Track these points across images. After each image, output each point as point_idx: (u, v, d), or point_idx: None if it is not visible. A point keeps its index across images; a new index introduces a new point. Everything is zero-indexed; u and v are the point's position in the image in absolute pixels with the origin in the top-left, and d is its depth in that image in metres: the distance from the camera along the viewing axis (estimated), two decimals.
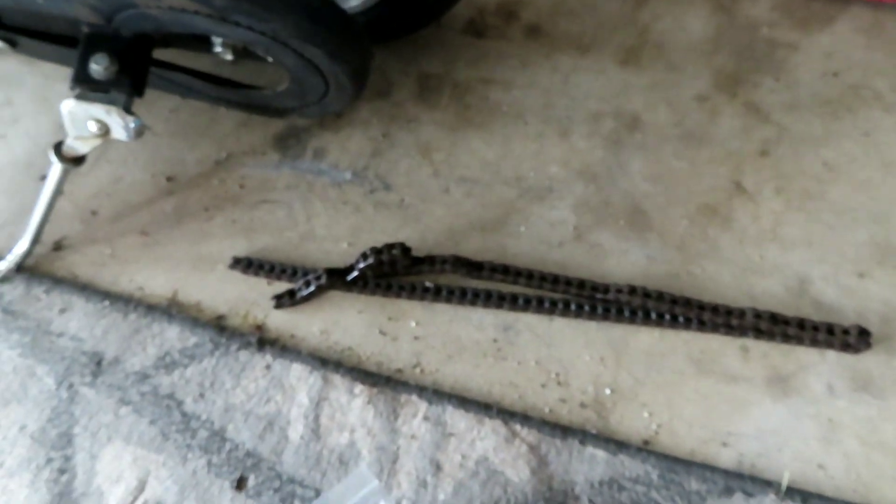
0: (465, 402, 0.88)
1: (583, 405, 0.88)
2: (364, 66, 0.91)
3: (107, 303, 1.00)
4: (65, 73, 1.17)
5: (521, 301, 0.94)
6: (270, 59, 0.88)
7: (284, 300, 0.98)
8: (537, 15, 1.22)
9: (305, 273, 0.98)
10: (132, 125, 0.86)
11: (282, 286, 0.99)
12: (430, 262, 0.96)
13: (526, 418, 0.87)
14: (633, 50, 1.16)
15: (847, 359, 0.88)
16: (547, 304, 0.94)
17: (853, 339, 0.86)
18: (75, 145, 0.91)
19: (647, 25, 1.19)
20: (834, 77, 1.10)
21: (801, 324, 0.88)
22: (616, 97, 1.11)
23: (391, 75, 1.17)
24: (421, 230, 1.02)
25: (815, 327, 0.88)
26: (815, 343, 0.88)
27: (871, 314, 0.90)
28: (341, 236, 1.03)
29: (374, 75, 1.16)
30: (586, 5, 1.22)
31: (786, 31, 1.15)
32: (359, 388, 0.91)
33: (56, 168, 0.94)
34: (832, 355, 0.88)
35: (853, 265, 0.94)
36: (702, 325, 0.91)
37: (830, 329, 0.87)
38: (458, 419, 0.87)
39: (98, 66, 0.84)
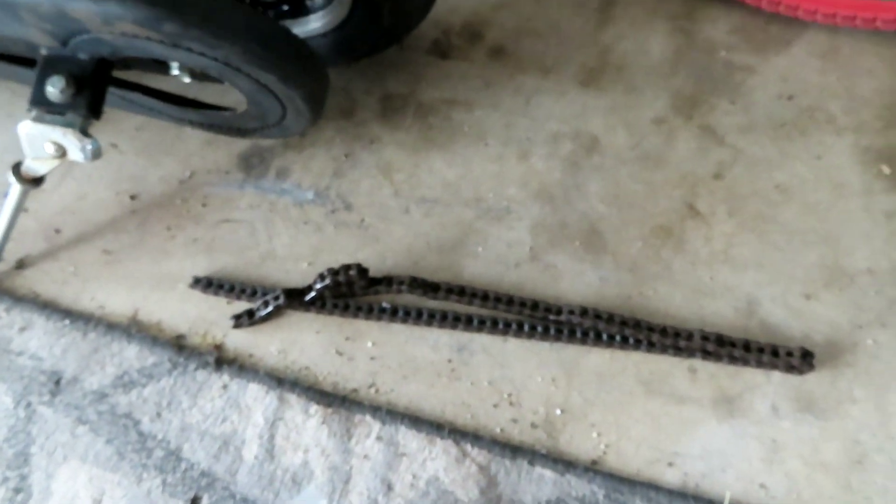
0: (417, 422, 0.90)
1: (533, 425, 0.89)
2: (319, 91, 0.93)
3: (67, 321, 1.01)
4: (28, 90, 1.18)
5: (475, 322, 0.96)
6: (226, 84, 0.89)
7: (243, 320, 0.99)
8: (502, 35, 1.24)
9: (265, 293, 1.00)
10: (89, 147, 0.87)
11: (241, 306, 1.00)
12: (387, 282, 0.97)
13: (477, 438, 0.88)
14: (594, 71, 1.18)
15: (792, 380, 0.89)
16: (501, 325, 0.95)
17: (797, 360, 0.88)
18: (34, 166, 0.92)
19: (609, 46, 1.21)
20: (789, 100, 1.12)
21: (747, 345, 0.90)
22: (576, 119, 1.13)
23: (355, 95, 1.19)
24: (380, 250, 1.04)
25: (761, 349, 0.90)
26: (760, 364, 0.90)
27: (817, 335, 0.92)
28: (302, 256, 1.04)
29: (338, 95, 1.18)
30: (550, 26, 1.24)
31: (743, 54, 1.18)
32: (314, 407, 0.92)
33: (15, 188, 0.94)
34: (777, 376, 0.90)
35: (801, 287, 0.96)
36: (651, 347, 0.92)
37: (775, 351, 0.89)
38: (410, 439, 0.89)
39: (54, 89, 0.84)
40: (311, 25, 1.07)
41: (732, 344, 0.90)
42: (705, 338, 0.90)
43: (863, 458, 0.83)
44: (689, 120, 1.12)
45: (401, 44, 1.19)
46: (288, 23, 1.08)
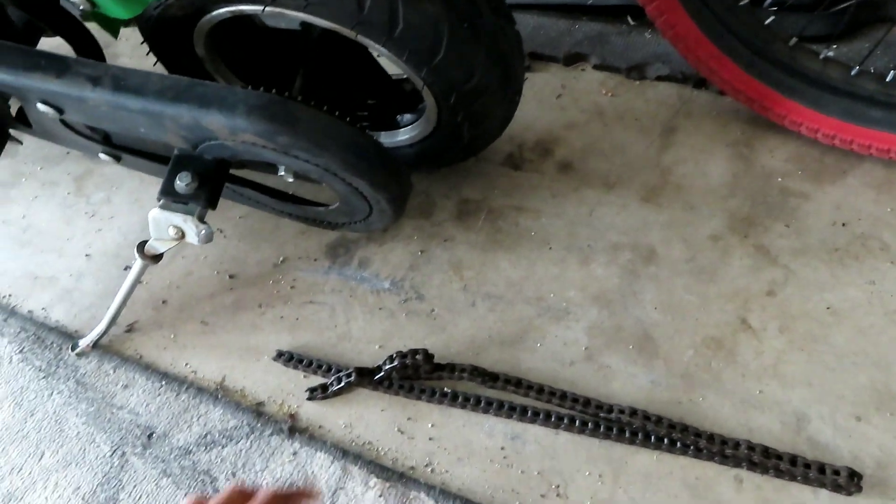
0: None
1: None
2: (402, 196, 1.06)
3: (163, 382, 1.13)
4: (157, 179, 1.37)
5: (530, 413, 1.02)
6: (323, 184, 1.03)
7: (317, 393, 1.08)
8: (570, 153, 1.36)
9: (338, 370, 1.09)
10: (203, 232, 1.01)
11: (316, 380, 1.10)
12: (450, 369, 1.06)
13: None
14: (655, 189, 1.27)
15: (839, 500, 0.91)
16: (554, 418, 1.01)
17: (843, 480, 0.89)
18: (156, 245, 1.07)
19: (670, 168, 1.30)
20: (843, 227, 1.17)
21: (794, 460, 0.92)
22: (635, 231, 1.22)
23: (435, 198, 1.32)
24: (446, 339, 1.13)
25: (807, 465, 0.92)
26: (807, 481, 0.92)
27: (867, 457, 0.94)
28: (374, 339, 1.14)
29: (419, 197, 1.32)
30: (615, 147, 1.35)
31: (799, 181, 1.25)
32: (374, 480, 0.99)
33: (138, 263, 1.10)
34: (824, 495, 0.91)
35: (851, 408, 0.98)
36: (698, 452, 0.96)
37: (822, 468, 0.91)
38: None
39: (181, 183, 1.00)
40: (400, 137, 1.22)
41: (779, 457, 0.93)
42: (752, 448, 0.93)
43: None
44: (744, 239, 1.18)
45: (477, 155, 1.33)
46: (381, 134, 1.24)
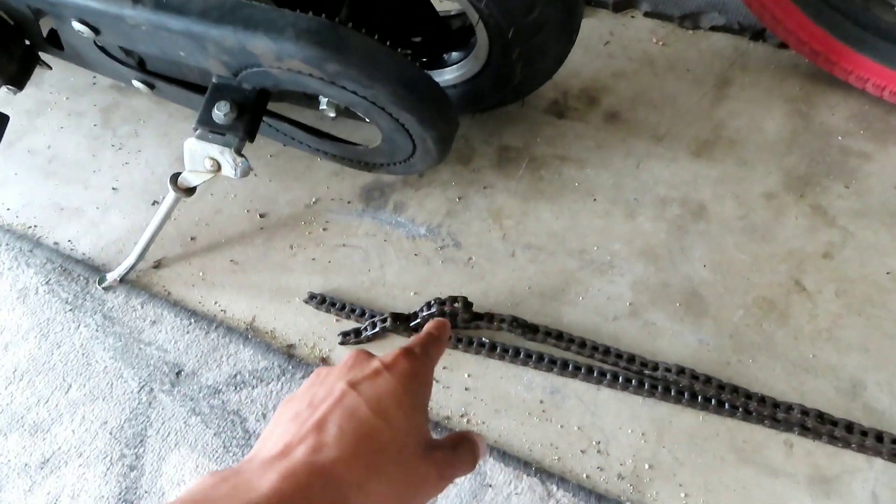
0: (505, 456, 0.92)
1: (620, 476, 0.90)
2: (449, 135, 1.00)
3: (192, 320, 1.10)
4: (186, 113, 1.32)
5: (571, 367, 0.98)
6: (368, 120, 0.98)
7: (350, 337, 1.05)
8: (617, 102, 1.30)
9: (372, 315, 1.06)
10: (240, 165, 0.97)
11: (349, 324, 1.07)
12: (488, 318, 1.02)
13: (563, 481, 0.90)
14: (707, 143, 1.21)
15: (895, 469, 0.87)
16: (596, 374, 0.98)
17: None
18: (190, 178, 1.03)
19: (723, 122, 1.24)
20: None
21: (850, 427, 0.88)
22: (685, 185, 1.16)
23: (474, 144, 1.26)
24: (484, 288, 1.09)
25: (864, 432, 0.88)
26: (862, 448, 0.88)
27: None
28: (409, 285, 1.10)
29: (458, 143, 1.26)
30: (666, 98, 1.29)
31: (861, 141, 1.18)
32: None
33: (170, 196, 1.06)
34: (880, 463, 0.87)
35: None
36: (747, 415, 0.92)
37: (880, 436, 0.87)
38: (497, 472, 0.91)
39: (220, 112, 0.95)
40: (444, 77, 1.16)
41: (834, 423, 0.89)
42: (805, 413, 0.89)
43: None
44: (800, 198, 1.12)
45: (522, 101, 1.27)
46: None
